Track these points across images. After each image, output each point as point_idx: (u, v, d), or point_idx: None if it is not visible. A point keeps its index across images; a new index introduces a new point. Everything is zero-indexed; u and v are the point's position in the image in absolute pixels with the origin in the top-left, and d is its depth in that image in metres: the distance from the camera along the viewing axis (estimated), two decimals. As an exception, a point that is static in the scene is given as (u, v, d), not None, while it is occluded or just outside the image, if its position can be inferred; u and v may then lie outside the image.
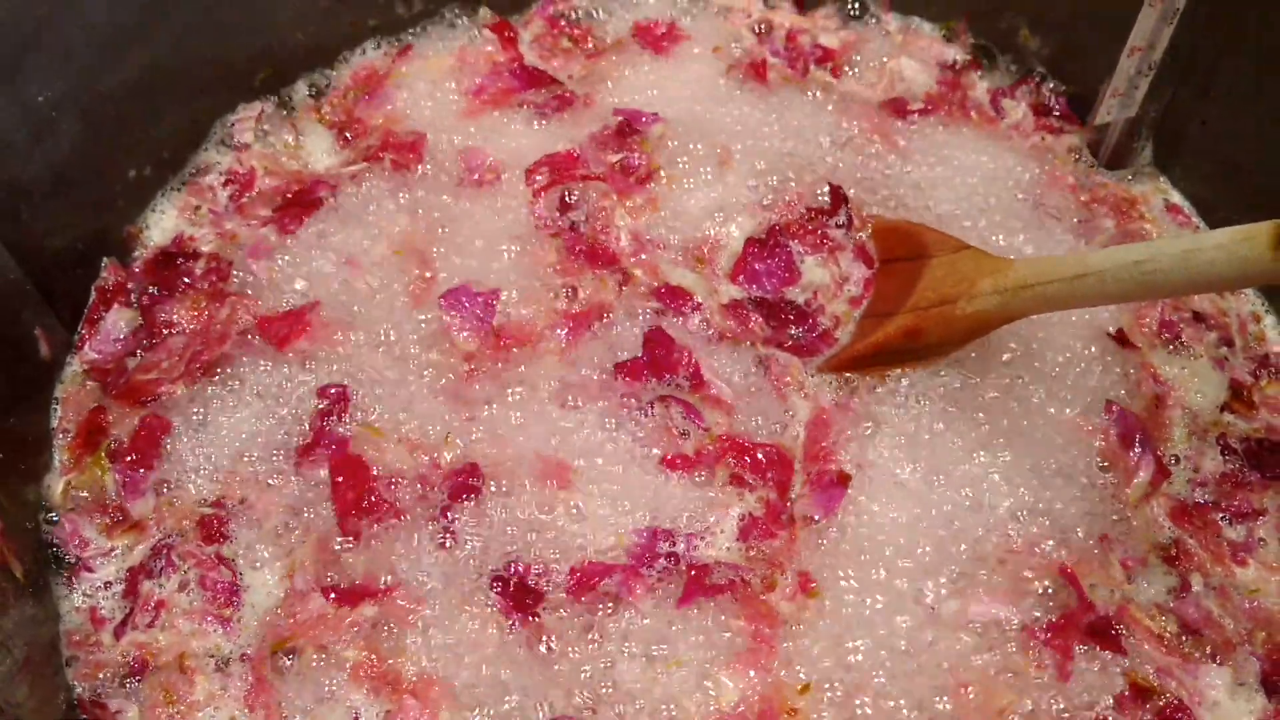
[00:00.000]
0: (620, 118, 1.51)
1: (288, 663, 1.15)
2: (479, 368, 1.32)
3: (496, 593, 1.17)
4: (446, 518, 1.21)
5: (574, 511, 1.22)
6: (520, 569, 1.18)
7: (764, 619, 1.16)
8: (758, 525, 1.22)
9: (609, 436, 1.27)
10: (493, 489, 1.23)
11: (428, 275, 1.39)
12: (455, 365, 1.33)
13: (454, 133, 1.53)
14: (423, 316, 1.36)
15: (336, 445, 1.26)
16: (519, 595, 1.17)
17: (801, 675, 1.14)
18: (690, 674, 1.14)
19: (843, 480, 1.23)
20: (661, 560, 1.19)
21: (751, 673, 1.14)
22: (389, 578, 1.18)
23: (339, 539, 1.21)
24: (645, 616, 1.16)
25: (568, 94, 1.57)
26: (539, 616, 1.16)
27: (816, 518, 1.22)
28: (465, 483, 1.23)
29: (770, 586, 1.18)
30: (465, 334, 1.33)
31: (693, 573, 1.18)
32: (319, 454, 1.25)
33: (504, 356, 1.33)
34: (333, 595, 1.17)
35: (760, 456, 1.25)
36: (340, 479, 1.23)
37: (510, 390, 1.31)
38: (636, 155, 1.48)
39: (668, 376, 1.30)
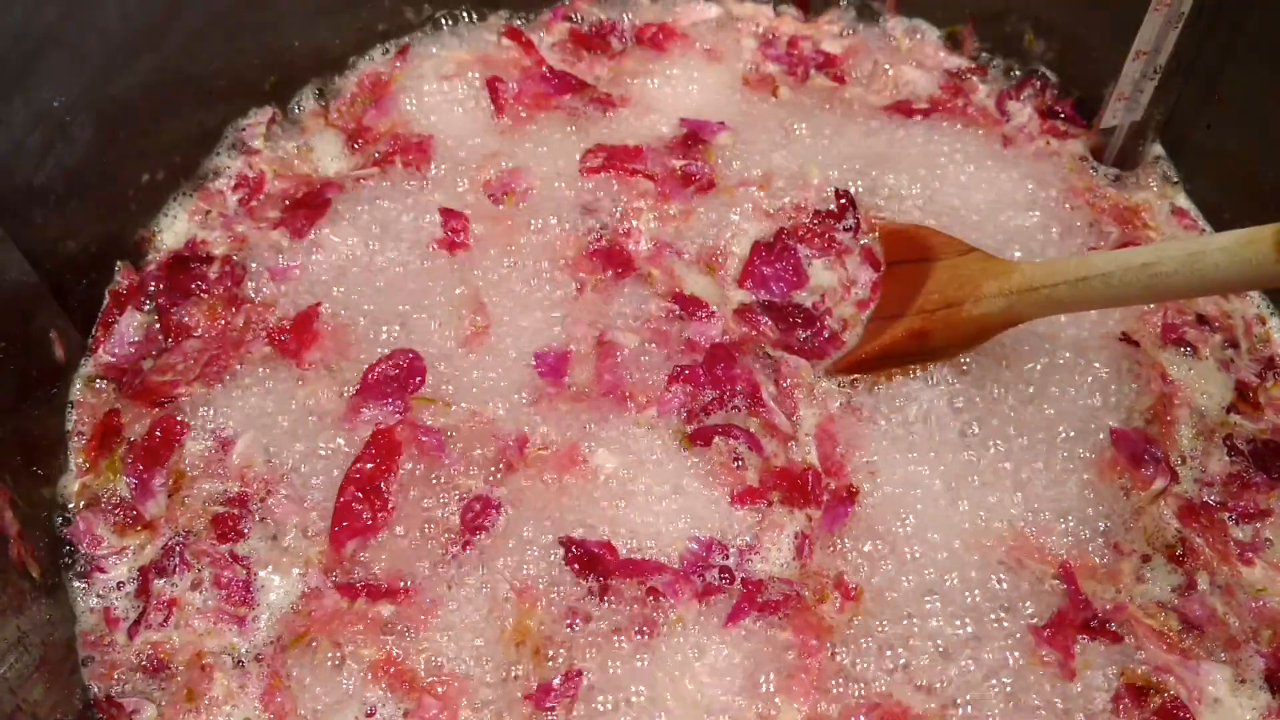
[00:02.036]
0: (686, 128, 1.53)
1: (305, 660, 1.16)
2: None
3: (568, 561, 1.17)
4: (474, 511, 1.22)
5: (627, 525, 1.22)
6: (591, 546, 1.18)
7: (812, 630, 1.16)
8: (809, 541, 1.22)
9: (658, 454, 1.27)
10: (527, 492, 1.24)
11: (439, 270, 1.41)
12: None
13: (478, 135, 1.54)
14: (439, 315, 1.38)
15: (397, 407, 1.28)
16: (588, 563, 1.17)
17: (853, 685, 1.14)
18: (739, 693, 1.13)
19: (851, 496, 1.24)
20: (714, 570, 1.19)
21: (800, 689, 1.13)
22: (408, 581, 1.19)
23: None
24: (682, 623, 1.16)
25: (603, 95, 1.58)
26: (608, 589, 1.16)
27: (823, 533, 1.23)
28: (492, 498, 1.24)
29: (822, 598, 1.19)
30: (536, 385, 1.33)
31: (747, 588, 1.18)
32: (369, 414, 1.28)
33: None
34: (350, 593, 1.18)
35: (807, 480, 1.25)
36: (370, 452, 1.23)
37: (545, 389, 1.32)
38: (700, 163, 1.49)
39: (727, 389, 1.30)
